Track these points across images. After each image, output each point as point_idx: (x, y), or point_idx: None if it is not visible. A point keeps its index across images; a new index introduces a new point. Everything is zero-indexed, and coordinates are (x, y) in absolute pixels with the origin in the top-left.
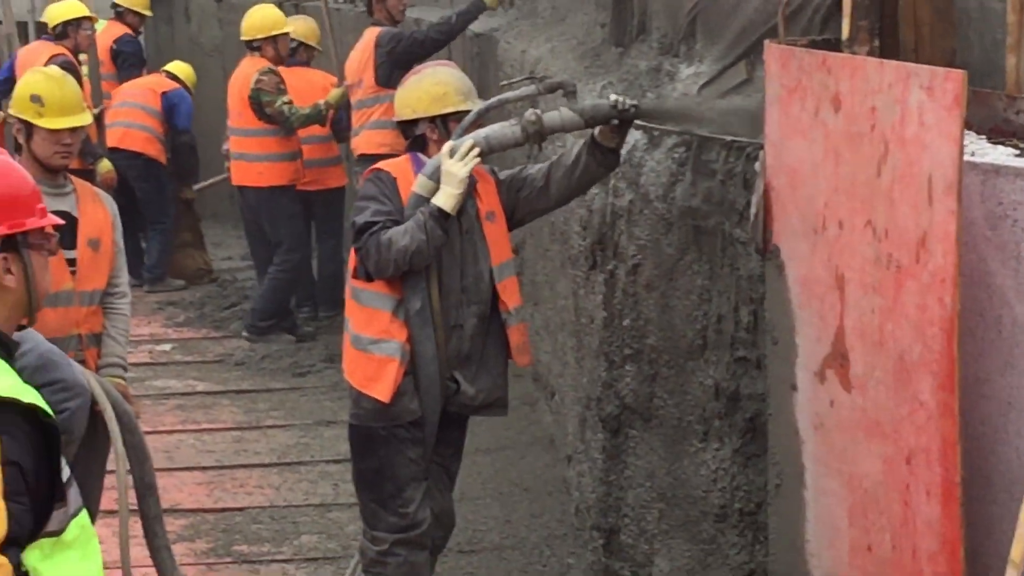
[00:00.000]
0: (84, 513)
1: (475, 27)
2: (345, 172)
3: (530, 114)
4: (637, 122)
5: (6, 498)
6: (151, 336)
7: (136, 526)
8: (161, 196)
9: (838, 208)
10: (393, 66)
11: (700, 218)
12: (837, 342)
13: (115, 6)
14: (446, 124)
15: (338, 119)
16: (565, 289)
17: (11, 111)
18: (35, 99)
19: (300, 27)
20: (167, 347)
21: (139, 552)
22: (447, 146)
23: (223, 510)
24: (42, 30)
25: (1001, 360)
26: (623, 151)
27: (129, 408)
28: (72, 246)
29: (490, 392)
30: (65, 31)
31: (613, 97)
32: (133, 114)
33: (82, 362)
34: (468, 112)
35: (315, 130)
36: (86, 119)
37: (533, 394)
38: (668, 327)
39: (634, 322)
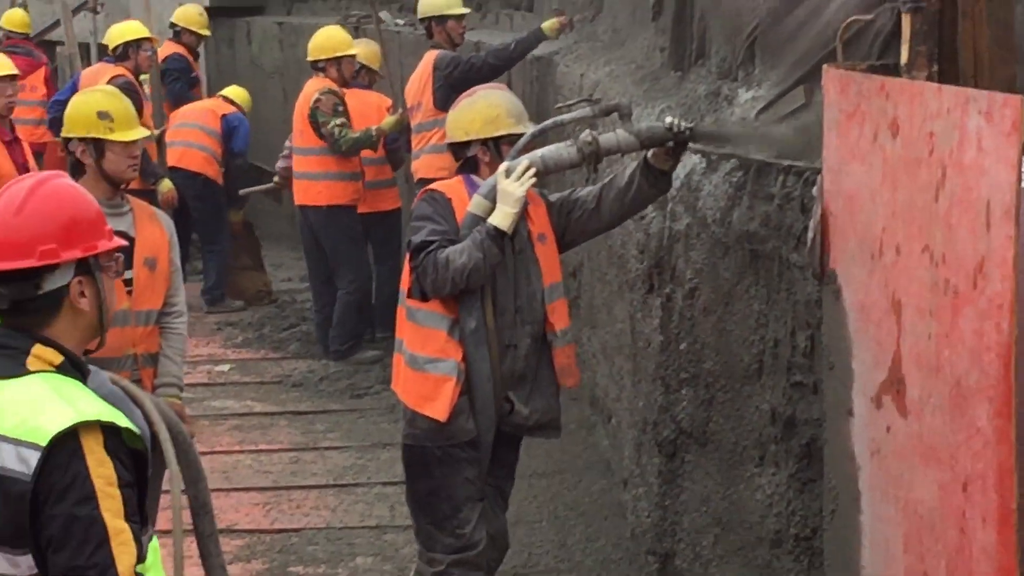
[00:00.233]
0: (155, 537)
1: (534, 50)
2: (399, 195)
3: (586, 135)
4: (694, 146)
5: (127, 520)
6: (209, 357)
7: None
8: (218, 217)
9: (895, 233)
10: (450, 90)
11: (757, 242)
12: (894, 368)
13: (173, 26)
14: (498, 147)
15: (394, 143)
16: (622, 313)
17: (74, 133)
18: (103, 115)
19: (362, 51)
20: (225, 368)
21: (194, 572)
22: (503, 166)
23: (279, 531)
24: (104, 51)
25: None
26: (681, 175)
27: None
28: (128, 266)
29: (544, 413)
30: (126, 52)
31: (669, 120)
32: (193, 134)
33: (137, 382)
34: (519, 135)
35: (370, 152)
36: (146, 133)
37: (590, 418)
38: (725, 351)
39: (691, 346)
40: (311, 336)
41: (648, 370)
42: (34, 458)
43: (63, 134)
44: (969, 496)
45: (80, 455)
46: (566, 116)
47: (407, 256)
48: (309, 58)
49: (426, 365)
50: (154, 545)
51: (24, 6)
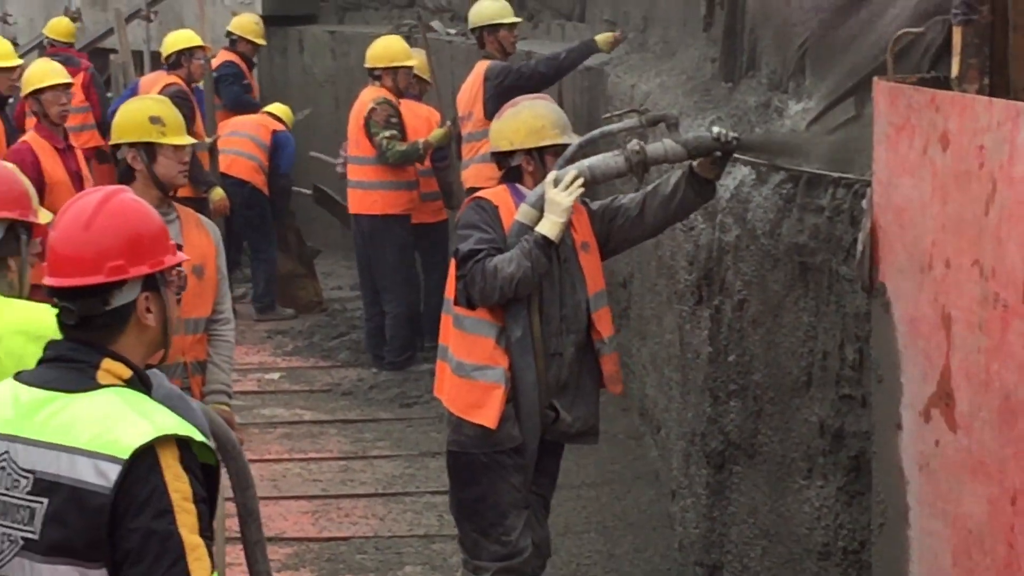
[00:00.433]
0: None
1: (586, 61)
2: (444, 207)
3: (634, 145)
4: (743, 156)
5: (202, 535)
6: (259, 365)
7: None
8: (265, 225)
9: (945, 246)
10: (501, 99)
11: (806, 254)
12: (943, 381)
13: (229, 34)
14: (542, 157)
15: (441, 161)
16: (671, 324)
17: (126, 139)
18: (155, 120)
19: (414, 61)
20: (275, 376)
21: None
22: (551, 175)
23: (328, 539)
24: (157, 59)
25: None
26: (731, 186)
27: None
28: None
29: (586, 420)
30: (179, 60)
31: (716, 129)
32: (243, 143)
33: (187, 390)
34: (564, 146)
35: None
36: (194, 141)
37: (639, 428)
38: (773, 363)
39: (739, 358)
40: (361, 345)
41: (697, 381)
42: (114, 471)
43: (112, 141)
44: (1018, 510)
45: (158, 469)
46: (613, 126)
47: (453, 264)
48: (367, 65)
49: (473, 372)
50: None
51: (77, 14)
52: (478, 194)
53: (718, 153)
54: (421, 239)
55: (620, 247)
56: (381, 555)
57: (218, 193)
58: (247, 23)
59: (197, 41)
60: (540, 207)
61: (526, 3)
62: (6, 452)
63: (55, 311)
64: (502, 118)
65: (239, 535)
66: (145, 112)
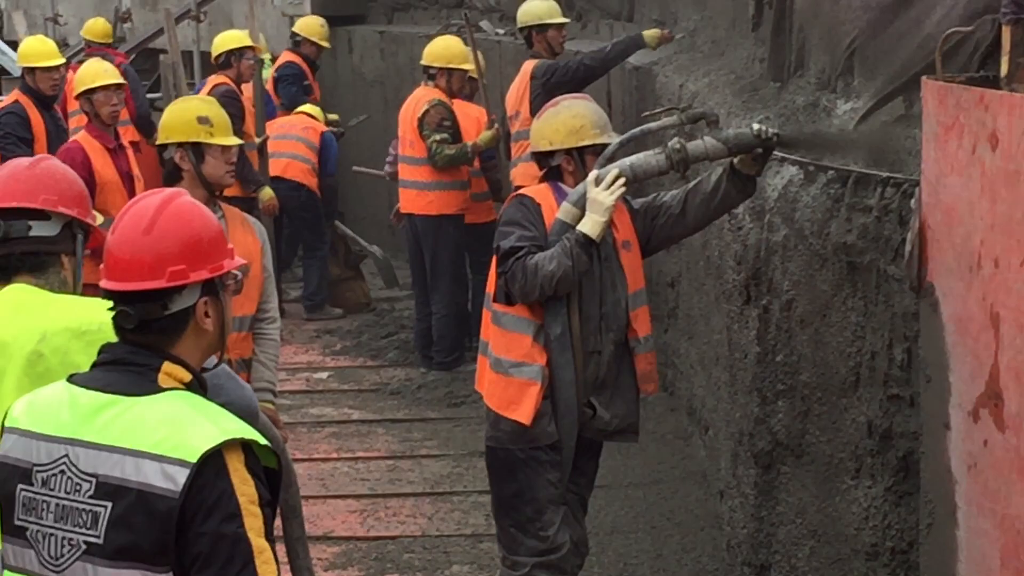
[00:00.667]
0: None
1: (634, 60)
2: (494, 207)
3: (675, 142)
4: (790, 155)
5: (267, 538)
6: (308, 364)
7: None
8: (319, 225)
9: (994, 246)
10: (548, 97)
11: (855, 254)
12: (991, 381)
13: (293, 35)
14: (582, 156)
15: (489, 160)
16: (719, 324)
17: (173, 139)
18: (203, 120)
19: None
20: (324, 375)
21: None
22: (593, 174)
23: (376, 538)
24: (206, 59)
25: None
26: (779, 185)
27: (277, 433)
28: None
29: (624, 418)
30: (228, 61)
31: (756, 126)
32: (296, 146)
33: None
34: (603, 146)
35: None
36: (240, 142)
37: (687, 428)
38: (821, 363)
39: (787, 358)
40: (409, 344)
41: (745, 381)
42: (182, 475)
43: (160, 141)
44: None
45: (225, 473)
46: (653, 124)
47: (494, 260)
48: (423, 62)
49: (511, 369)
50: None
51: (128, 14)
52: (520, 191)
53: (759, 150)
54: (471, 238)
55: (662, 245)
56: (429, 554)
57: (268, 193)
58: (312, 25)
59: (247, 41)
60: (582, 206)
61: (574, 3)
62: (65, 456)
63: (104, 309)
64: (542, 118)
65: (281, 532)
66: (193, 112)
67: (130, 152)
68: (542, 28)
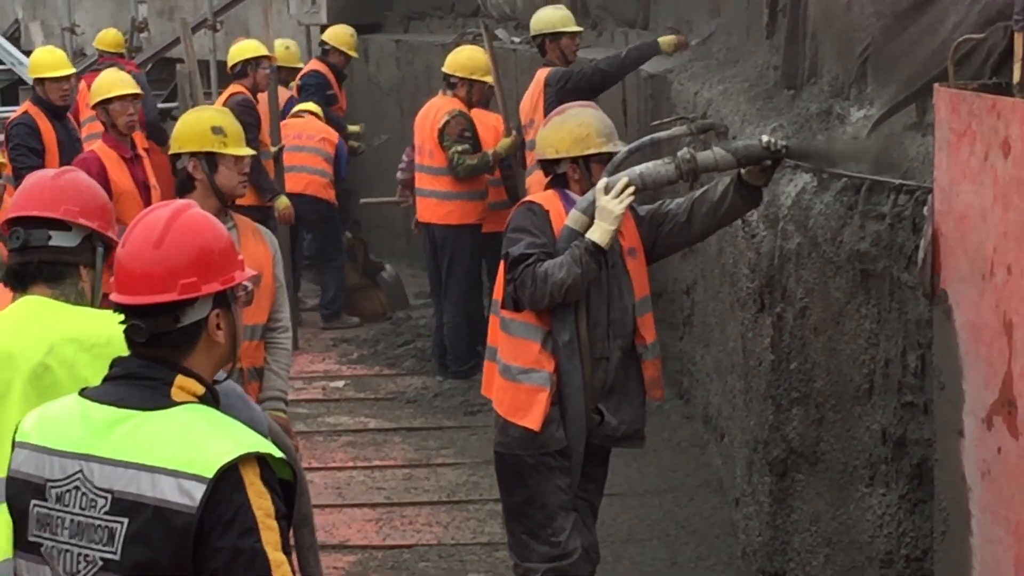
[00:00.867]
0: None
1: (649, 68)
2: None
3: (685, 152)
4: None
5: (284, 551)
6: (324, 373)
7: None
8: (337, 234)
9: (1007, 253)
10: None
11: (868, 262)
12: (1005, 388)
13: (322, 44)
14: (588, 165)
15: (508, 169)
16: (734, 331)
17: (187, 148)
18: (217, 131)
19: None
20: (340, 384)
21: None
22: (602, 182)
23: (392, 547)
24: (223, 68)
25: None
26: (792, 193)
27: (289, 442)
28: None
29: (631, 424)
30: (244, 70)
31: (765, 138)
32: (313, 160)
33: None
34: (610, 154)
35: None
36: (253, 152)
37: (703, 436)
38: (835, 371)
39: (801, 365)
40: (426, 353)
41: (759, 389)
42: (198, 490)
43: (173, 150)
44: None
45: (241, 487)
46: (663, 134)
47: (502, 266)
48: (445, 70)
49: (519, 376)
50: None
51: (144, 24)
52: (529, 198)
53: (768, 161)
54: (488, 247)
55: (666, 252)
56: (444, 563)
57: (283, 202)
58: (341, 34)
59: (262, 51)
60: (591, 213)
61: (589, 10)
62: (79, 472)
63: (113, 323)
64: (548, 126)
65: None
66: (207, 122)
67: (146, 162)
68: (556, 36)
